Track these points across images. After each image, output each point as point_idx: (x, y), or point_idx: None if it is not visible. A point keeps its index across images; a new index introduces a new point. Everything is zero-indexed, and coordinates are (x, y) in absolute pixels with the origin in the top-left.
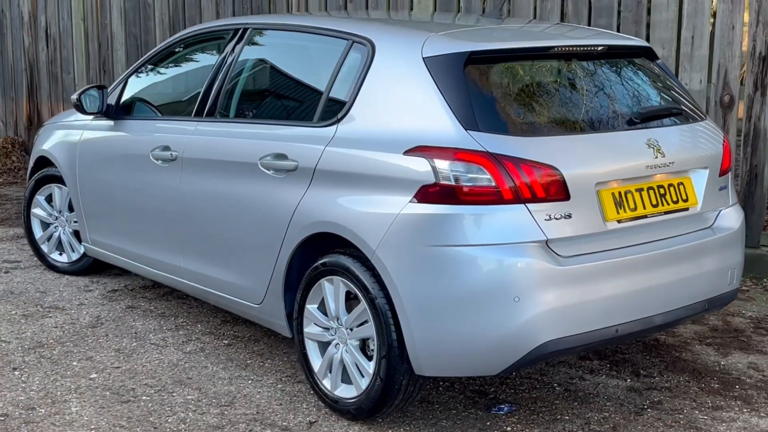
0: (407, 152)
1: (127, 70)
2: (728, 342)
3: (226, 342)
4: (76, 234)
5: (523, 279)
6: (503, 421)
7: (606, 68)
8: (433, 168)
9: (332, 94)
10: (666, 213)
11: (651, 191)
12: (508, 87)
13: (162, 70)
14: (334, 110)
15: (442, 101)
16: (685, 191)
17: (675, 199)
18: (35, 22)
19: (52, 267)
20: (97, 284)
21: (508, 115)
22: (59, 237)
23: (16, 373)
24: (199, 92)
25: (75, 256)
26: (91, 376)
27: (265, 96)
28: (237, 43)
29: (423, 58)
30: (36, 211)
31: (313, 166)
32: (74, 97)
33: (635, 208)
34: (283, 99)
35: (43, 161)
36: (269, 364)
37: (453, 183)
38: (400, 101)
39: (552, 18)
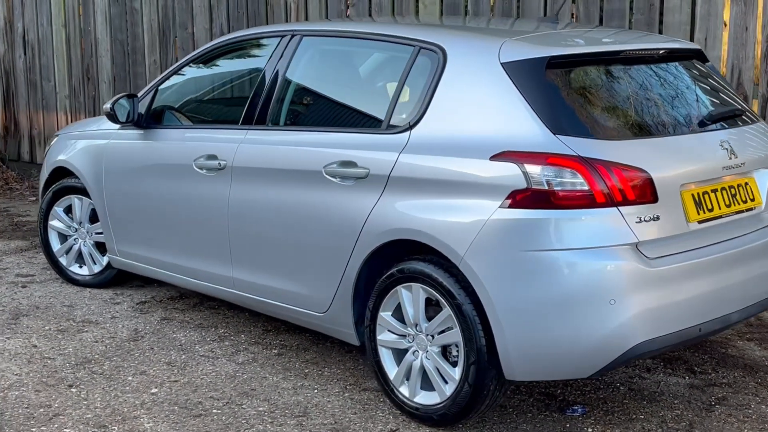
0: (494, 157)
1: (156, 79)
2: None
3: (275, 352)
4: (98, 246)
5: (619, 282)
6: (581, 423)
7: (672, 71)
8: (524, 173)
9: (401, 101)
10: (737, 213)
11: (724, 191)
12: (588, 91)
13: (197, 78)
14: (405, 117)
15: (527, 106)
16: (751, 191)
17: (744, 198)
18: (11, 28)
19: (71, 280)
20: (123, 297)
21: (592, 119)
22: (79, 249)
23: (74, 390)
24: (247, 100)
25: (97, 269)
26: (152, 391)
27: (324, 103)
28: (287, 50)
29: (501, 64)
30: (54, 223)
31: (387, 173)
32: (107, 106)
33: (712, 209)
34: (344, 106)
35: (59, 172)
36: (327, 372)
37: (546, 187)
38: (479, 107)
39: (562, 21)
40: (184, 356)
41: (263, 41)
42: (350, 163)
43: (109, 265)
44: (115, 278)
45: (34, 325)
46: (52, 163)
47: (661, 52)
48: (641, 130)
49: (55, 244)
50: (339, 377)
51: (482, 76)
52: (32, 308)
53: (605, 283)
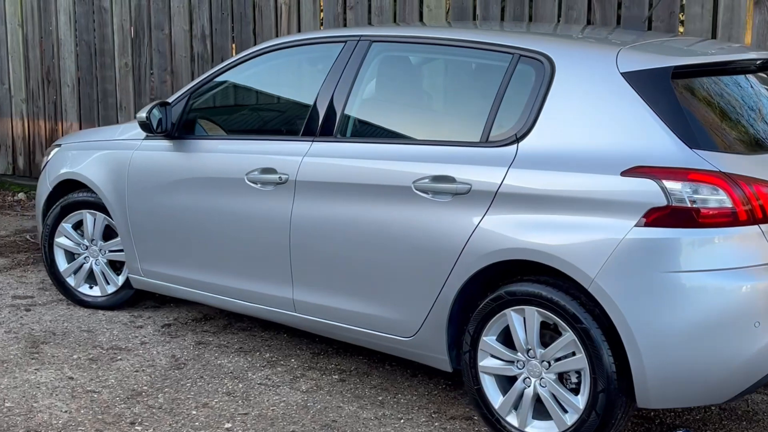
0: (626, 173)
1: (189, 85)
2: None
3: (336, 377)
4: (112, 264)
5: (764, 303)
6: None
7: None
8: (663, 189)
9: (501, 112)
10: None
11: None
12: (712, 103)
13: (238, 85)
14: (508, 129)
15: (656, 118)
16: None
17: None
18: None
19: (80, 302)
20: (143, 319)
21: (723, 132)
22: (90, 269)
23: (138, 428)
24: (308, 109)
25: (110, 289)
26: (226, 426)
27: (406, 114)
28: (354, 56)
29: (621, 74)
30: (61, 241)
31: (494, 189)
32: (143, 115)
33: None
34: (431, 117)
35: (64, 185)
36: (403, 399)
37: (687, 205)
38: (599, 119)
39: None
40: (240, 385)
41: (321, 47)
42: (446, 178)
43: (124, 286)
44: (129, 300)
45: (59, 354)
46: (58, 175)
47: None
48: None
49: (62, 264)
50: (418, 404)
51: (600, 87)
52: (48, 334)
53: (751, 304)
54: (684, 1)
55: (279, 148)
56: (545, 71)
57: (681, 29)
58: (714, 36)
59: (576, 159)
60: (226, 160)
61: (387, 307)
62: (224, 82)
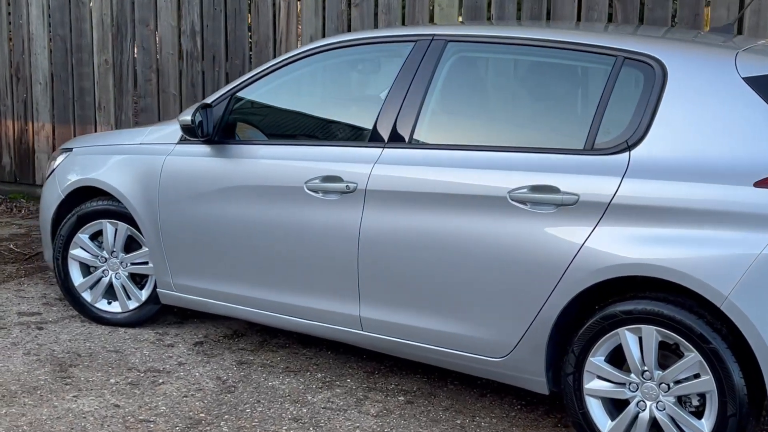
0: (759, 183)
1: (230, 86)
2: None
3: (402, 399)
4: (133, 278)
5: None
6: None
7: None
8: None
9: (607, 118)
10: None
11: None
12: None
13: (290, 86)
14: (617, 136)
15: None
16: None
17: None
18: None
19: (97, 319)
20: (170, 337)
21: None
22: (109, 283)
23: None
24: (376, 113)
25: (132, 305)
26: None
27: (491, 119)
28: (428, 57)
29: (743, 79)
30: (76, 252)
31: (606, 200)
32: (188, 118)
33: None
34: (521, 122)
35: (79, 193)
36: (484, 423)
37: None
38: (721, 126)
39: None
40: (304, 410)
41: (385, 46)
42: (548, 188)
43: (148, 301)
44: (152, 316)
45: (94, 378)
46: (73, 182)
47: None
48: None
49: (77, 278)
50: (501, 428)
51: (720, 92)
52: (73, 356)
53: None
54: (709, 3)
55: (343, 155)
56: (656, 75)
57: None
58: None
59: (699, 168)
60: (280, 167)
61: (474, 326)
62: (272, 82)
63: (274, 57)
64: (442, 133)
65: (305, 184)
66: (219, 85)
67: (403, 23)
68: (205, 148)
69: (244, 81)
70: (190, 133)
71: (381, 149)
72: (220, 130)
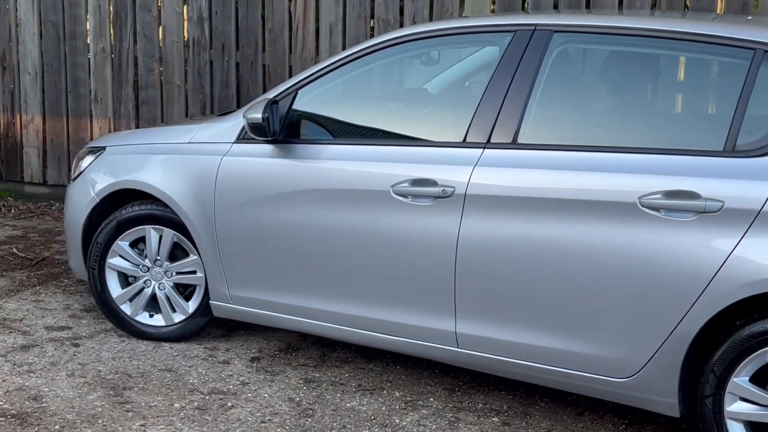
0: None
1: (293, 80)
2: None
3: (496, 419)
4: (178, 288)
5: None
6: None
7: None
8: None
9: (749, 117)
10: None
11: None
12: None
13: (366, 80)
14: (763, 137)
15: None
16: None
17: None
18: None
19: (138, 334)
20: (220, 352)
21: None
22: (151, 294)
23: None
24: (473, 110)
25: (178, 318)
26: None
27: (611, 118)
28: (531, 49)
29: None
30: (115, 261)
31: (756, 206)
32: (257, 116)
33: None
34: (645, 121)
35: (116, 197)
36: None
37: None
38: None
39: None
40: None
41: (478, 36)
42: (687, 194)
43: (196, 313)
44: (200, 330)
45: (155, 403)
46: (110, 184)
47: None
48: None
49: (115, 289)
50: None
51: None
52: (123, 377)
53: None
54: None
55: (436, 156)
56: None
57: None
58: None
59: None
60: (361, 169)
61: (597, 344)
62: (342, 76)
63: (290, 46)
64: (552, 132)
65: (392, 188)
66: (229, 75)
67: (431, 10)
68: (268, 148)
69: (310, 75)
70: (259, 132)
71: (481, 150)
72: (283, 128)
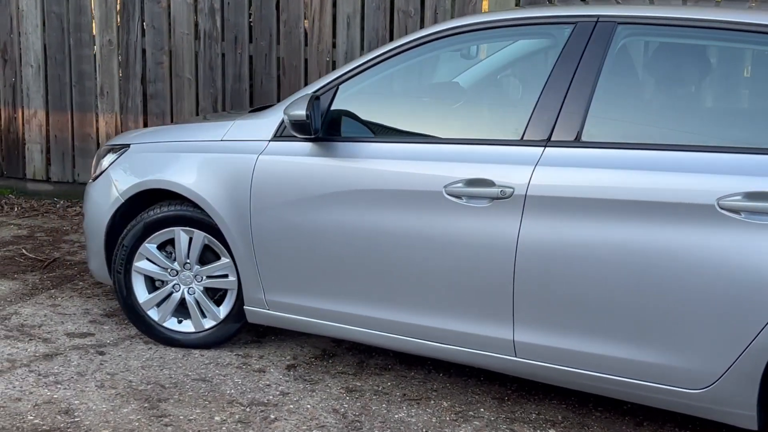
0: None
1: (334, 74)
2: None
3: (552, 431)
4: (208, 293)
5: None
6: None
7: None
8: None
9: None
10: None
11: None
12: None
13: (414, 74)
14: None
15: None
16: None
17: None
18: None
19: (165, 340)
20: (252, 359)
21: None
22: (180, 299)
23: None
24: (532, 106)
25: (208, 324)
26: None
27: (687, 114)
28: (598, 41)
29: None
30: (142, 265)
31: None
32: (300, 112)
33: None
34: (727, 118)
35: (143, 196)
36: None
37: None
38: None
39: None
40: None
41: (532, 29)
42: None
43: (228, 319)
44: (231, 336)
45: (194, 417)
46: (136, 184)
47: None
48: None
49: (142, 293)
50: None
51: None
52: (156, 388)
53: None
54: None
55: (492, 155)
56: None
57: None
58: None
59: None
60: (410, 169)
61: (665, 352)
62: (387, 70)
63: (306, 38)
64: (618, 129)
65: (444, 188)
66: (241, 69)
67: (453, 1)
68: (307, 146)
69: (352, 69)
70: (301, 129)
71: (542, 148)
72: (323, 126)
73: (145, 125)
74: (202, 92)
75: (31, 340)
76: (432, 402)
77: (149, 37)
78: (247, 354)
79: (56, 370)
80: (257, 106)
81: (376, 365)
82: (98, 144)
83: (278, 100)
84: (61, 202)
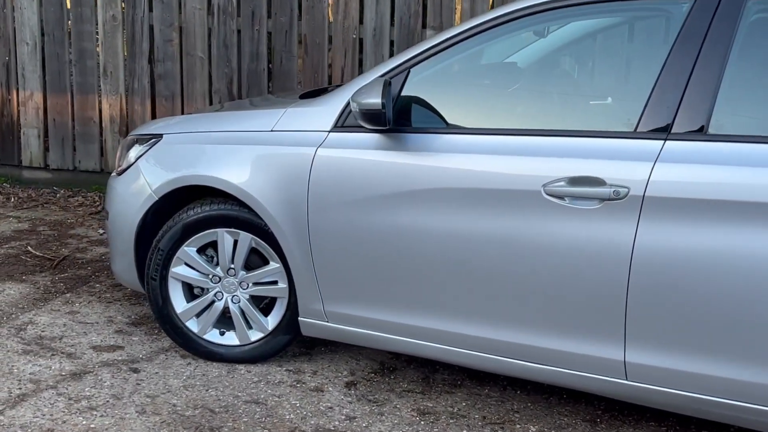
0: None
1: (404, 57)
2: None
3: None
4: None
5: None
6: None
7: None
8: None
9: None
10: None
11: None
12: None
13: (497, 57)
14: None
15: None
16: None
17: None
18: None
19: (206, 354)
20: (305, 375)
21: None
22: (223, 308)
23: None
24: (647, 93)
25: (255, 336)
26: None
27: None
28: (724, 17)
29: None
30: (180, 271)
31: None
32: (374, 101)
33: None
34: None
35: (180, 194)
36: None
37: None
38: None
39: None
40: None
41: (643, 3)
42: None
43: (277, 331)
44: (279, 349)
45: None
46: (173, 179)
47: None
48: None
49: (179, 303)
50: None
51: None
52: (205, 413)
53: None
54: None
55: (601, 149)
56: None
57: None
58: None
59: None
60: (501, 165)
61: None
62: (470, 50)
63: (329, 13)
64: (752, 120)
65: (543, 187)
66: (259, 46)
67: None
68: (374, 138)
69: (426, 50)
70: (373, 119)
71: (661, 142)
72: (393, 114)
73: (153, 108)
74: (216, 72)
75: (53, 355)
76: (518, 426)
77: (157, 12)
78: (298, 369)
79: (88, 393)
80: (307, 90)
81: (444, 381)
82: (101, 128)
83: (299, 82)
84: (62, 191)
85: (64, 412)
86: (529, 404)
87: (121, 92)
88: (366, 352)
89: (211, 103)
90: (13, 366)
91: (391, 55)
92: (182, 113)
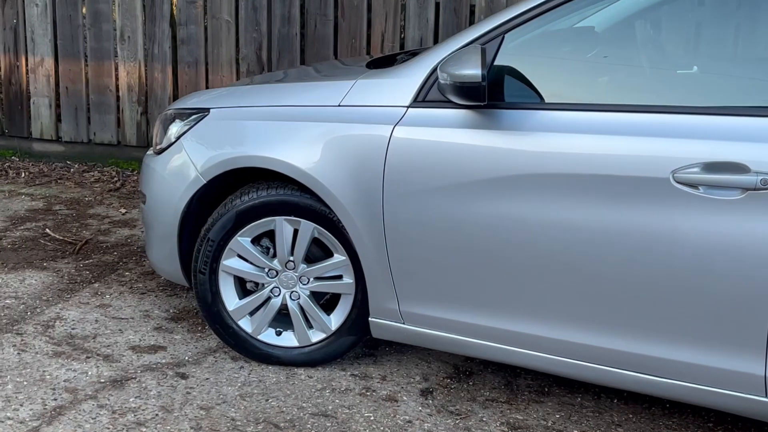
0: None
1: (496, 20)
2: None
3: None
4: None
5: None
6: None
7: None
8: None
9: None
10: None
11: None
12: None
13: (610, 22)
14: None
15: None
16: None
17: None
18: None
19: (261, 357)
20: (373, 381)
21: None
22: (280, 306)
23: None
24: None
25: (316, 336)
26: None
27: None
28: None
29: None
30: (232, 263)
31: None
32: (476, 72)
33: None
34: None
35: (228, 176)
36: None
37: None
38: None
39: None
40: None
41: None
42: None
43: (340, 331)
44: (342, 352)
45: None
46: (224, 161)
47: None
48: None
49: (231, 299)
50: None
51: None
52: (268, 428)
53: None
54: None
55: (742, 130)
56: None
57: None
58: None
59: None
60: (620, 147)
61: None
62: (578, 13)
63: None
64: None
65: (672, 174)
66: (291, 9)
67: None
68: (462, 115)
69: (524, 12)
70: (467, 94)
71: None
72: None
73: (175, 75)
74: (244, 37)
75: (89, 358)
76: None
77: None
78: (365, 374)
79: (133, 404)
80: (374, 57)
81: (530, 388)
82: (118, 98)
83: (335, 48)
84: (76, 165)
85: (107, 427)
86: (630, 415)
87: (139, 58)
88: (436, 354)
89: (237, 72)
90: (44, 371)
91: (437, 19)
92: (206, 81)
